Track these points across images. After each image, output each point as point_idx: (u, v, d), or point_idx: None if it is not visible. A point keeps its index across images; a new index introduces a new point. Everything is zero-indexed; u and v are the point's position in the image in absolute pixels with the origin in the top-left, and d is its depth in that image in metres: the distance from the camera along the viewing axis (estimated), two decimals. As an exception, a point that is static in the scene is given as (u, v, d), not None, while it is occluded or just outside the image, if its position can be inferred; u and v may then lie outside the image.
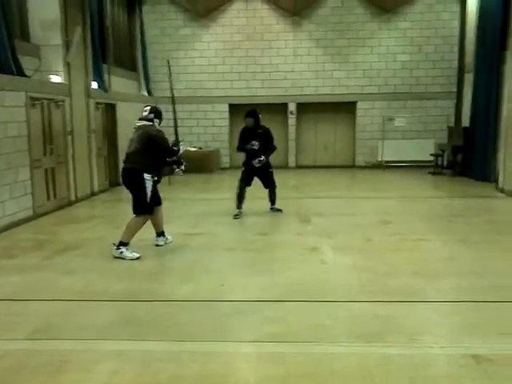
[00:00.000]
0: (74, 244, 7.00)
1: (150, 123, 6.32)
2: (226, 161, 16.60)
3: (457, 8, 15.27)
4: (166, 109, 13.90)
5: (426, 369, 3.47)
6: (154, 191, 6.38)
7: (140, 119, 6.39)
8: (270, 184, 8.82)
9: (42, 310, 4.65)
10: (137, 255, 6.16)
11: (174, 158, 6.66)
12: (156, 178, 6.35)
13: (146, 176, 6.17)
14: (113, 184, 12.43)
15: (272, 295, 4.89)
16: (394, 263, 5.93)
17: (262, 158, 8.49)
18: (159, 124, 6.47)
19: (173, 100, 7.59)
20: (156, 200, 6.52)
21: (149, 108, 6.43)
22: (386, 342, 3.83)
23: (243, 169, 8.72)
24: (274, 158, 8.91)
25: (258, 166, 8.51)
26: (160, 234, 6.80)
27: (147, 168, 6.18)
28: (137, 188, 6.21)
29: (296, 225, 8.14)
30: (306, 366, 3.53)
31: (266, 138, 8.56)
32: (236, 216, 8.48)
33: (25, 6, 9.61)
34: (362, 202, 10.22)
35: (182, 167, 6.80)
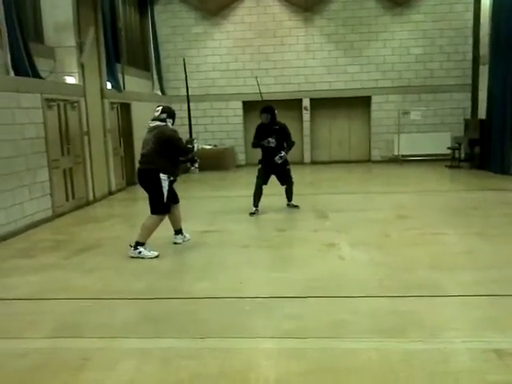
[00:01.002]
0: (92, 243, 7.06)
1: (164, 123, 6.32)
2: (241, 158, 16.62)
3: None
4: (179, 107, 14.10)
5: (448, 364, 3.44)
6: (171, 190, 6.41)
7: (153, 119, 6.39)
8: (287, 181, 8.78)
9: (62, 308, 4.70)
10: (155, 253, 6.19)
11: (189, 156, 6.68)
12: (172, 178, 6.37)
13: (163, 176, 6.19)
14: (130, 183, 12.52)
15: (291, 291, 4.88)
16: (412, 258, 5.89)
17: (283, 153, 8.45)
18: (172, 124, 6.47)
19: (188, 98, 7.59)
20: (173, 198, 6.56)
21: (161, 108, 6.43)
22: (406, 338, 3.80)
23: (260, 166, 8.69)
24: (289, 154, 8.88)
25: (279, 162, 8.47)
26: (178, 231, 6.83)
27: (163, 168, 6.21)
28: (153, 188, 6.24)
29: (313, 221, 8.12)
30: (326, 361, 3.52)
31: (282, 133, 8.50)
32: (252, 213, 8.48)
33: (39, 8, 9.70)
34: (378, 197, 10.17)
35: (196, 165, 6.82)
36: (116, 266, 5.99)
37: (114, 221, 9.09)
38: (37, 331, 4.17)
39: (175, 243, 6.79)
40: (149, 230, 6.27)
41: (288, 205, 8.94)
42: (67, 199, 9.45)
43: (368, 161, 16.47)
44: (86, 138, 10.25)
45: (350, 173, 14.29)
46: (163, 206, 6.30)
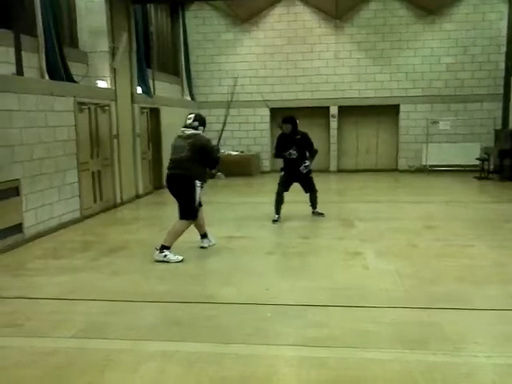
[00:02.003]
0: (119, 245, 7.17)
1: (198, 132, 6.43)
2: (266, 164, 16.65)
3: (504, 8, 14.88)
4: (208, 113, 14.23)
5: (471, 378, 3.40)
6: (199, 199, 6.52)
7: (185, 126, 6.47)
8: (310, 188, 8.79)
9: (88, 309, 4.78)
10: (180, 258, 6.26)
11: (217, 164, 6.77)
12: (203, 185, 6.50)
13: (197, 183, 6.33)
14: (157, 187, 12.65)
15: (314, 299, 4.88)
16: (438, 269, 5.83)
17: (307, 163, 8.45)
18: (203, 131, 6.57)
19: (227, 110, 7.64)
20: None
21: (193, 116, 6.51)
22: (430, 350, 3.77)
23: (282, 174, 8.70)
24: (314, 162, 8.86)
25: (304, 171, 8.47)
26: (204, 235, 6.90)
27: (198, 175, 6.35)
28: (186, 194, 6.34)
29: (338, 229, 8.09)
30: (348, 371, 3.51)
31: (304, 143, 8.49)
32: (275, 221, 8.49)
33: (74, 13, 9.92)
34: (405, 207, 10.07)
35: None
36: (142, 268, 6.07)
37: (141, 224, 9.21)
38: (65, 331, 4.26)
39: (202, 247, 6.86)
40: (176, 235, 6.35)
41: (313, 212, 8.93)
42: (95, 201, 9.61)
43: (395, 170, 16.33)
44: (115, 141, 10.42)
45: (377, 182, 14.19)
46: (193, 211, 6.42)
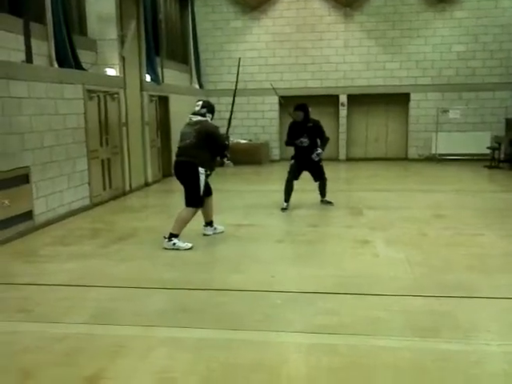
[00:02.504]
0: (128, 233, 7.19)
1: (205, 118, 6.41)
2: (275, 153, 16.59)
3: (517, -5, 14.70)
4: (217, 101, 14.18)
5: (483, 366, 3.38)
6: (206, 183, 6.51)
7: (193, 113, 6.47)
8: (320, 177, 8.75)
9: (97, 296, 4.80)
10: (190, 245, 6.27)
11: (225, 152, 6.74)
12: (209, 172, 6.49)
13: (201, 170, 6.29)
14: (166, 175, 12.66)
15: (324, 287, 4.87)
16: (448, 258, 5.80)
17: (319, 150, 8.40)
18: (211, 118, 6.55)
19: (234, 97, 7.59)
20: (207, 191, 6.63)
21: (201, 103, 6.51)
22: (441, 338, 3.75)
23: (292, 162, 8.66)
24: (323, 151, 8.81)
25: (317, 159, 8.43)
26: (208, 223, 6.91)
27: (202, 162, 6.31)
28: (191, 181, 6.33)
29: (347, 217, 8.07)
30: (358, 358, 3.50)
31: (316, 131, 8.44)
32: (283, 209, 8.47)
33: (83, 1, 9.89)
34: (415, 195, 10.02)
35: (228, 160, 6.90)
36: (151, 255, 6.09)
37: (150, 211, 9.24)
38: (75, 317, 4.28)
39: (205, 235, 6.87)
40: (183, 222, 6.35)
41: (322, 201, 8.91)
42: (104, 189, 9.63)
43: (405, 159, 16.23)
44: (124, 129, 10.42)
45: (387, 170, 14.11)
46: (198, 198, 6.40)
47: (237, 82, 7.77)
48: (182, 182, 6.47)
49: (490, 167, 13.75)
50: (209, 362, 3.49)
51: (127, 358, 3.58)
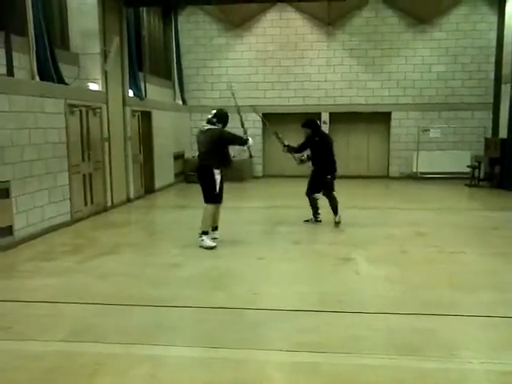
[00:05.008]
0: (110, 249, 7.12)
1: (215, 127, 7.17)
2: (258, 169, 16.63)
3: (494, 19, 15.05)
4: (200, 117, 14.20)
5: (464, 384, 3.40)
6: (221, 186, 7.23)
7: (207, 121, 7.24)
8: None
9: (78, 312, 4.73)
10: (213, 244, 7.06)
11: (245, 147, 7.45)
12: (223, 172, 7.22)
13: (216, 171, 7.09)
14: (148, 191, 12.59)
15: (306, 305, 4.86)
16: (429, 275, 5.83)
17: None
18: (222, 128, 7.24)
19: (238, 112, 7.86)
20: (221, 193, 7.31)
21: (214, 112, 7.33)
22: (422, 356, 3.76)
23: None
24: (306, 167, 8.84)
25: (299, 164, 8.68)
26: (214, 228, 7.46)
27: (216, 164, 7.11)
28: (208, 180, 7.12)
29: (329, 234, 8.09)
30: (339, 376, 3.49)
31: (315, 146, 8.52)
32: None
33: (65, 15, 9.88)
34: (396, 213, 10.10)
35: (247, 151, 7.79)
36: (132, 272, 6.03)
37: (132, 227, 9.17)
38: (54, 334, 4.20)
39: (213, 238, 7.28)
40: (206, 220, 7.16)
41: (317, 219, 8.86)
42: (86, 204, 9.54)
43: (386, 177, 16.39)
44: (106, 144, 10.36)
45: (368, 188, 14.22)
46: (215, 195, 7.16)
47: (235, 100, 8.23)
48: (201, 183, 7.24)
49: (470, 185, 13.94)
50: (190, 381, 3.45)
51: (106, 376, 3.52)
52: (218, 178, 7.13)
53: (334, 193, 8.67)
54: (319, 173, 8.57)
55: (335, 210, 8.61)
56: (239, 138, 7.33)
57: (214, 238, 7.31)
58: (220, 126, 7.21)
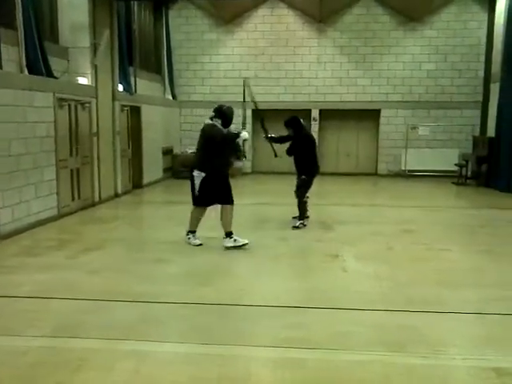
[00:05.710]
0: (96, 244, 7.08)
1: (211, 122, 6.70)
2: (248, 165, 16.60)
3: (484, 17, 15.14)
4: (190, 112, 14.20)
5: (446, 380, 3.43)
6: (205, 188, 6.66)
7: (209, 118, 6.81)
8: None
9: (64, 308, 4.70)
10: (198, 242, 6.88)
11: (237, 141, 7.10)
12: (204, 175, 6.63)
13: (195, 173, 6.67)
14: (136, 186, 12.53)
15: (293, 301, 4.87)
16: (416, 272, 5.87)
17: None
18: (222, 123, 6.68)
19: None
20: (217, 197, 6.79)
21: (215, 107, 6.85)
22: (407, 352, 3.79)
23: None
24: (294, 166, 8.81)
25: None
26: (227, 234, 6.88)
27: (197, 165, 6.70)
28: (190, 182, 6.78)
29: (317, 231, 8.10)
30: (325, 372, 3.50)
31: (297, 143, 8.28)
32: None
33: (55, 8, 9.79)
34: (384, 211, 10.15)
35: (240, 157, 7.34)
36: (119, 267, 6.01)
37: (119, 222, 9.12)
38: (38, 329, 4.17)
39: (238, 243, 6.82)
40: (191, 220, 6.95)
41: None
42: (73, 199, 9.47)
43: (375, 174, 16.45)
44: (95, 138, 10.29)
45: (356, 185, 14.27)
46: (195, 198, 6.82)
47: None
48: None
49: (457, 184, 14.04)
50: (175, 376, 3.45)
51: (91, 371, 3.51)
52: (196, 182, 6.64)
53: (307, 198, 8.37)
54: (298, 171, 8.39)
55: (300, 215, 8.32)
56: (232, 139, 6.79)
57: (241, 243, 6.78)
58: (219, 121, 6.66)
